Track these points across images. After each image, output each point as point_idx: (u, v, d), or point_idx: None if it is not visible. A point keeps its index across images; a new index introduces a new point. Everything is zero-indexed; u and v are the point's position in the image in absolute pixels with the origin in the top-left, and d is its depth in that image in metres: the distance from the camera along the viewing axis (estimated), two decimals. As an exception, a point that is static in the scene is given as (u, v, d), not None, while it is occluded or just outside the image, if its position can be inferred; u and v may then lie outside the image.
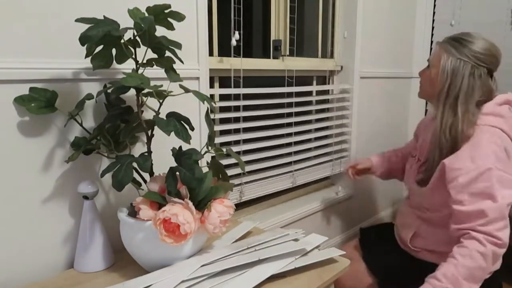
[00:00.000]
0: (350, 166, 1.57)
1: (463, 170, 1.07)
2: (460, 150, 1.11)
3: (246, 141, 1.50)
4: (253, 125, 1.50)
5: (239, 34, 1.38)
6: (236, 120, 1.46)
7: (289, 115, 1.67)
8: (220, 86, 1.44)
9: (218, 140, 1.41)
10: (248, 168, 1.50)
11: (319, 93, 1.91)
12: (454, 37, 1.19)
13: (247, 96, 1.47)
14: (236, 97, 1.45)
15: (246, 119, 1.51)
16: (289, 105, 1.69)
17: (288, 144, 1.69)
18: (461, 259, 1.02)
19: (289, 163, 1.70)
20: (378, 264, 1.29)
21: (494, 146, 1.08)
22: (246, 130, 1.51)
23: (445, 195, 1.12)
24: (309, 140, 1.82)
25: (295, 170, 1.73)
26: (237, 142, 1.47)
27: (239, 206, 1.58)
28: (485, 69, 1.14)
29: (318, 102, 1.88)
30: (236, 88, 1.42)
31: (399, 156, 1.53)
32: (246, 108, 1.47)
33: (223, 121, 1.45)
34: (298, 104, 1.74)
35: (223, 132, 1.45)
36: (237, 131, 1.47)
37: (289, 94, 1.68)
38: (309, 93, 1.90)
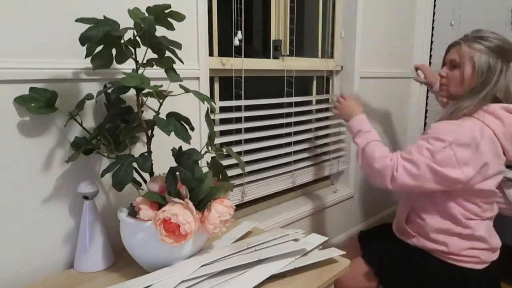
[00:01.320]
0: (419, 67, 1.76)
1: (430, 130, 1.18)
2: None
3: (247, 141, 1.50)
4: (254, 125, 1.51)
5: (241, 33, 1.38)
6: (238, 120, 1.46)
7: (289, 115, 1.67)
8: (220, 86, 1.44)
9: (220, 140, 1.42)
10: (250, 168, 1.50)
11: (319, 93, 1.91)
12: (477, 35, 1.20)
13: (248, 98, 1.47)
14: (238, 97, 1.45)
15: (247, 119, 1.51)
16: (289, 105, 1.69)
17: (288, 144, 1.70)
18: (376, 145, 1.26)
19: (289, 163, 1.70)
20: (377, 263, 1.29)
21: (471, 133, 1.11)
22: (248, 130, 1.51)
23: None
24: (308, 140, 1.82)
25: (295, 170, 1.73)
26: (238, 142, 1.47)
27: (240, 206, 1.58)
28: (509, 63, 1.18)
29: (318, 101, 1.88)
30: (238, 88, 1.42)
31: None
32: (247, 108, 1.47)
33: (225, 121, 1.45)
34: (298, 104, 1.74)
35: (224, 133, 1.45)
36: (238, 131, 1.47)
37: (289, 95, 1.68)
38: (309, 93, 1.90)
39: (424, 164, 1.13)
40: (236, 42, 1.36)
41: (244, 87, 1.46)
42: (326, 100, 1.94)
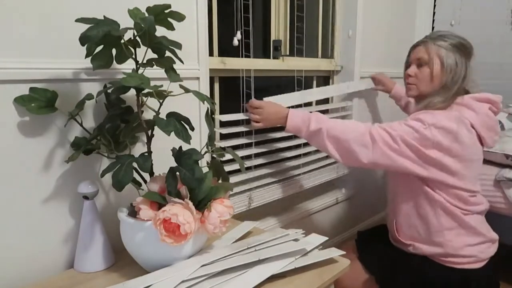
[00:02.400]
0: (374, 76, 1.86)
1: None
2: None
3: (256, 143, 1.48)
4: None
5: (240, 33, 1.38)
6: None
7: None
8: (220, 86, 1.44)
9: (229, 143, 1.39)
10: (259, 172, 1.50)
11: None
12: (440, 34, 1.25)
13: (248, 98, 1.47)
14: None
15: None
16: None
17: (298, 146, 1.69)
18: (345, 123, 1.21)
19: (298, 166, 1.69)
20: (375, 266, 1.29)
21: (450, 122, 1.13)
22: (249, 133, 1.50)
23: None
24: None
25: (303, 173, 1.72)
26: (249, 145, 1.46)
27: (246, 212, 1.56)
28: (469, 58, 1.23)
29: (319, 102, 1.88)
30: (240, 88, 1.42)
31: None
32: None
33: (227, 124, 1.45)
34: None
35: (233, 135, 1.43)
36: (248, 132, 1.46)
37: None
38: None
39: (401, 135, 1.13)
40: (235, 42, 1.36)
41: (244, 87, 1.46)
42: (326, 100, 1.94)
